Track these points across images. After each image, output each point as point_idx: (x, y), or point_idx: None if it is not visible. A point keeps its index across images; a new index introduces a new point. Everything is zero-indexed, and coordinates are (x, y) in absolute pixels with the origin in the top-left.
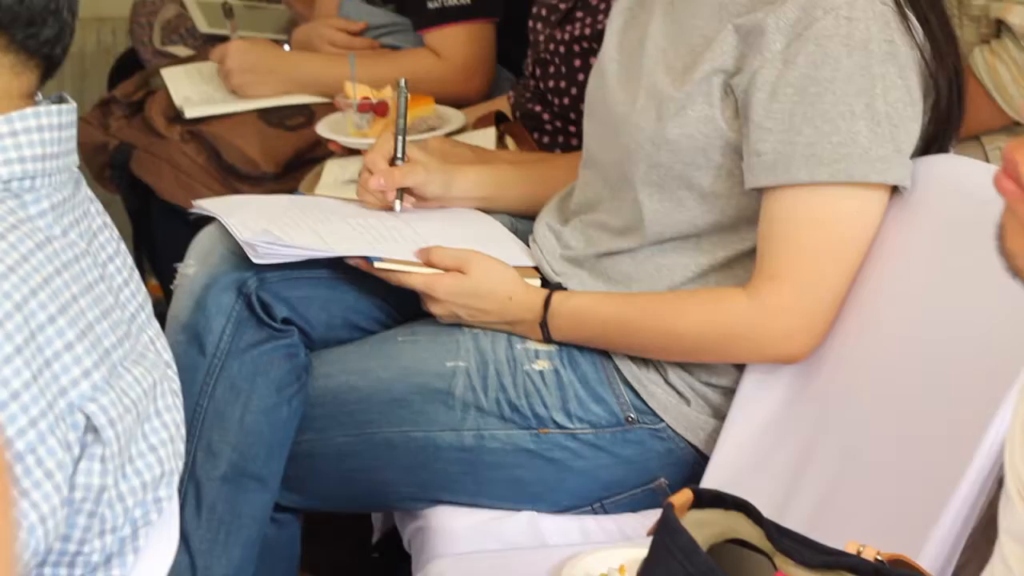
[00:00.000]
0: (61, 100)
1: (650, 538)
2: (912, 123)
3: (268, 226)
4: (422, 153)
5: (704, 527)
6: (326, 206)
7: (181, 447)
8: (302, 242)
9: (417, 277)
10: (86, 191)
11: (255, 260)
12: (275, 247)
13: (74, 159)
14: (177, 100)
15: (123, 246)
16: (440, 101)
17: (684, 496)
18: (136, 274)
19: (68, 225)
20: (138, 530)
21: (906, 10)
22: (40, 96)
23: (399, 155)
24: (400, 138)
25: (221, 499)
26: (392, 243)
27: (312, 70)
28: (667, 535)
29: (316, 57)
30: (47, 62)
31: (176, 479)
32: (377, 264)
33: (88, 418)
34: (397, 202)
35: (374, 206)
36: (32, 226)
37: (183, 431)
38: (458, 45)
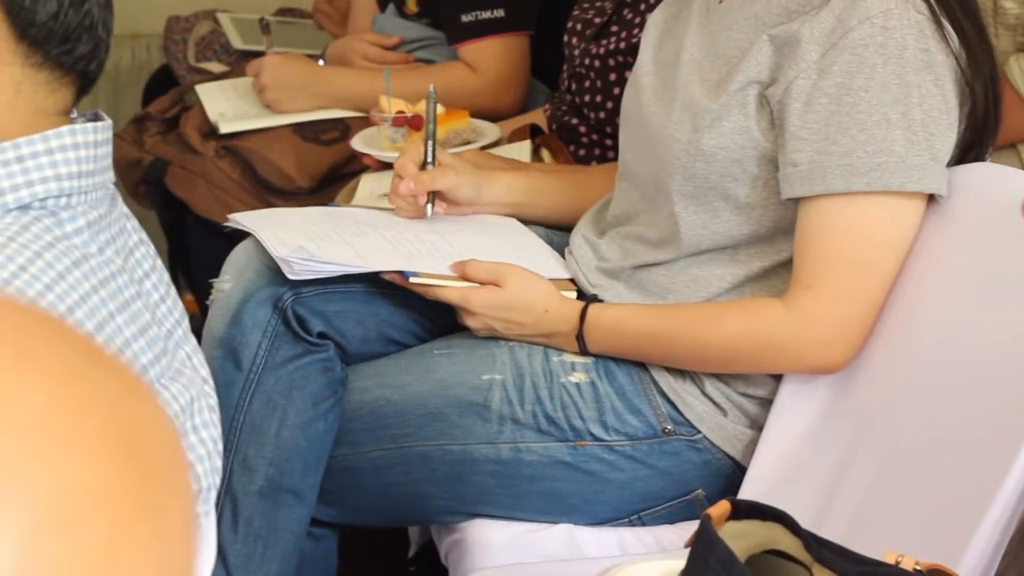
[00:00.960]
0: (96, 117)
1: (688, 550)
2: (948, 131)
3: (303, 241)
4: (453, 158)
5: (742, 538)
6: (361, 218)
7: (219, 463)
8: (337, 257)
9: (453, 291)
10: (122, 208)
11: (291, 277)
12: (310, 263)
13: (110, 176)
14: (212, 116)
15: (159, 262)
16: (475, 114)
17: (721, 507)
18: (172, 290)
19: (105, 242)
20: None
21: (941, 18)
22: (75, 113)
23: (429, 160)
24: (430, 143)
25: (258, 514)
26: (427, 257)
27: (346, 85)
28: (705, 547)
29: (350, 72)
30: (82, 79)
31: (213, 495)
32: (412, 279)
33: None
34: (428, 206)
35: (405, 211)
36: (69, 244)
37: (220, 447)
38: (492, 58)
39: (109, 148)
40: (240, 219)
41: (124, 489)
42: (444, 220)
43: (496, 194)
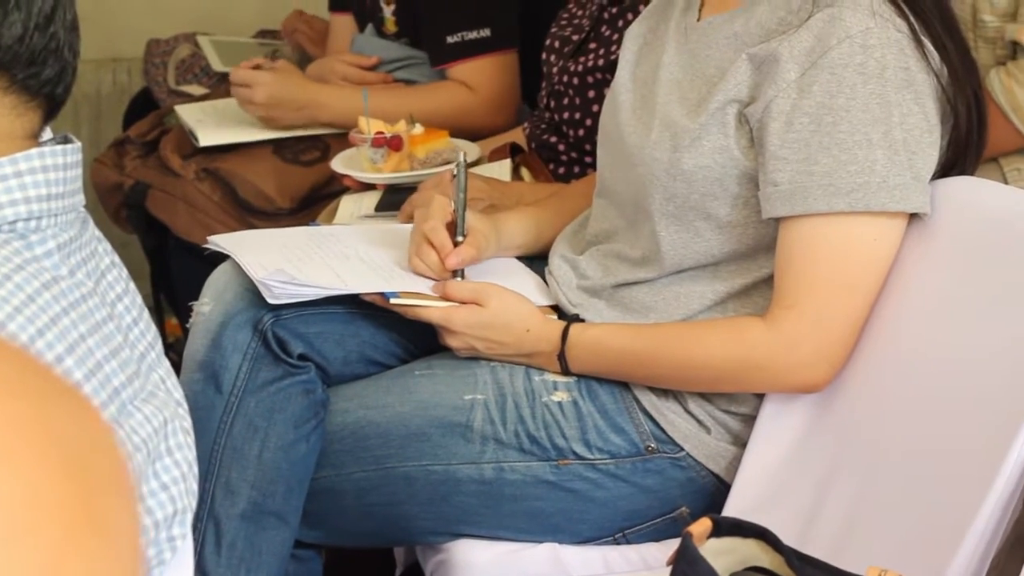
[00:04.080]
0: (66, 140)
1: (670, 567)
2: (930, 150)
3: (283, 264)
4: (481, 222)
5: (723, 555)
6: (342, 238)
7: (194, 485)
8: (317, 280)
9: (434, 311)
10: (93, 230)
11: (270, 300)
12: (290, 286)
13: (80, 199)
14: (191, 123)
15: (132, 285)
16: (466, 133)
17: (703, 525)
18: (146, 313)
19: (75, 265)
20: (152, 570)
21: (922, 36)
22: (49, 134)
23: (462, 232)
24: (461, 214)
25: (241, 537)
26: (408, 278)
27: (340, 105)
28: (687, 564)
29: (341, 91)
30: (49, 102)
31: (189, 517)
32: (393, 299)
33: None
34: (457, 278)
35: (428, 274)
36: (38, 266)
37: (196, 469)
38: (488, 77)
39: (79, 171)
40: (219, 241)
41: (63, 503)
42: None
43: (509, 239)
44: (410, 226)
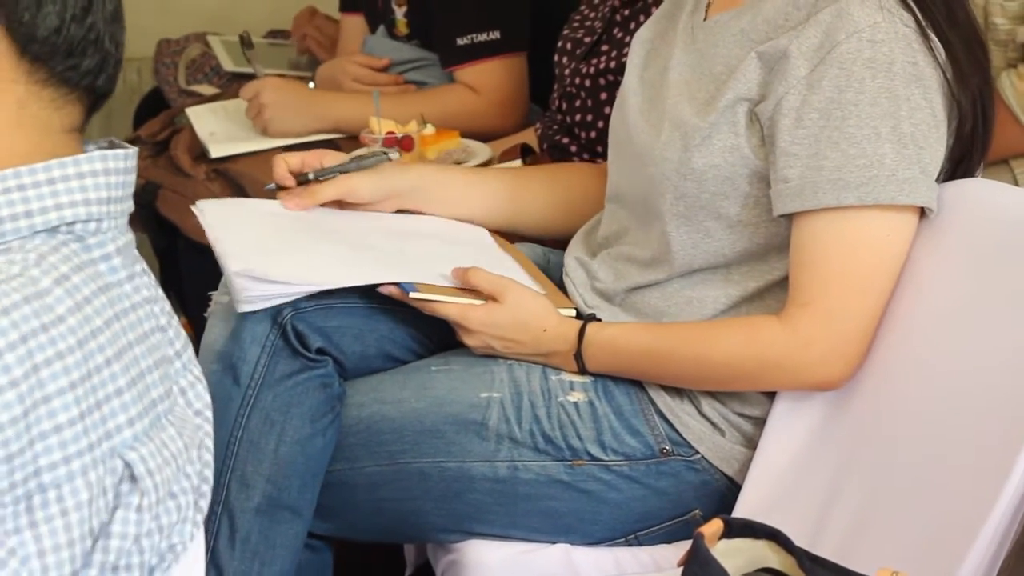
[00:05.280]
0: (112, 145)
1: (681, 568)
2: (938, 145)
3: (264, 259)
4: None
5: (735, 556)
6: (330, 220)
7: (203, 502)
8: (287, 275)
9: (452, 307)
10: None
11: (240, 310)
12: (260, 285)
13: (130, 204)
14: (202, 136)
15: (160, 291)
16: (474, 135)
17: (714, 526)
18: (175, 319)
19: (134, 273)
20: (153, 572)
21: (928, 31)
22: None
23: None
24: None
25: (255, 531)
26: (382, 265)
27: (345, 109)
28: (698, 565)
29: (348, 96)
30: (90, 94)
31: (188, 528)
32: (412, 294)
33: (128, 466)
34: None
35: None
36: (94, 270)
37: (210, 479)
38: (494, 80)
39: (135, 176)
40: (206, 221)
41: None
42: (415, 227)
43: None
44: (424, 217)
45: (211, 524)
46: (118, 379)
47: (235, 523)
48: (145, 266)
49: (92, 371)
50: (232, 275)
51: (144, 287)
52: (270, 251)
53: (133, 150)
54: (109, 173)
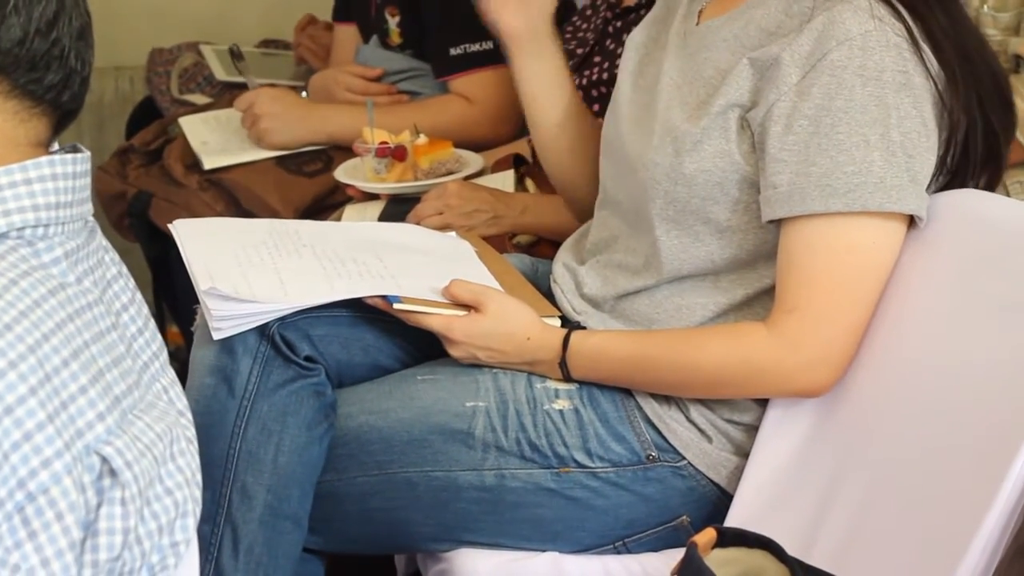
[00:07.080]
0: (75, 149)
1: None
2: (927, 154)
3: (235, 279)
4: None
5: (728, 566)
6: (305, 234)
7: (197, 493)
8: (261, 296)
9: (435, 319)
10: (101, 240)
11: (216, 337)
12: (232, 312)
13: (89, 208)
14: (195, 145)
15: (139, 296)
16: (468, 145)
17: (707, 535)
18: (152, 324)
19: (82, 273)
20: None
21: (920, 41)
22: (56, 145)
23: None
24: None
25: (258, 541)
26: (356, 279)
27: (340, 121)
28: (691, 575)
29: (343, 108)
30: (56, 110)
31: (191, 522)
32: (396, 305)
33: (105, 461)
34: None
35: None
36: (45, 273)
37: (199, 477)
38: (487, 90)
39: (88, 180)
40: (180, 240)
41: None
42: (394, 240)
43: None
44: (403, 228)
45: (214, 536)
46: (79, 377)
47: (238, 534)
48: (124, 270)
49: (51, 373)
50: (201, 294)
51: (98, 286)
52: (243, 271)
53: (85, 154)
54: (57, 178)
